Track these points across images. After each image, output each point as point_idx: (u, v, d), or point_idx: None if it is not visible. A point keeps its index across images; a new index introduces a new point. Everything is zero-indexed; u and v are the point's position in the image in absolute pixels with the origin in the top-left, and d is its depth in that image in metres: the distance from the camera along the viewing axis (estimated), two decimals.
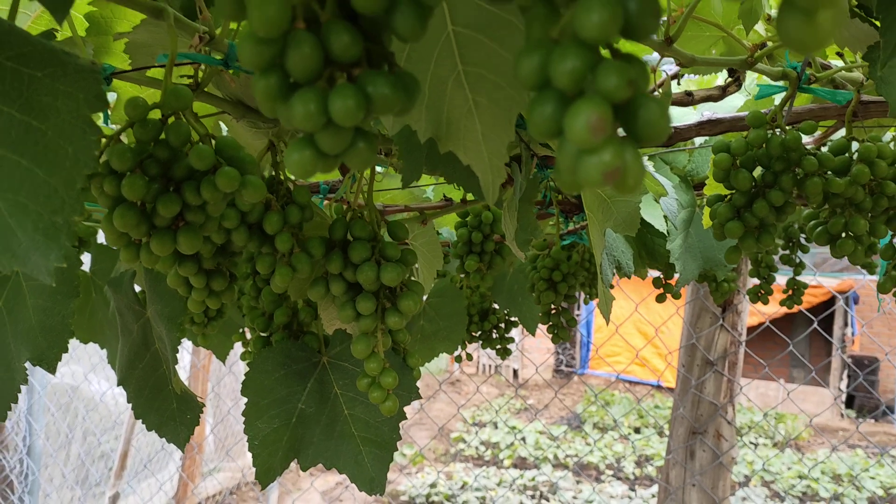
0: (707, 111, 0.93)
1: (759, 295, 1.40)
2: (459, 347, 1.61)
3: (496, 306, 1.60)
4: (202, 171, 0.55)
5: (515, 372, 10.17)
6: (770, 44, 0.72)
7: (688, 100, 0.80)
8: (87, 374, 3.40)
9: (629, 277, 1.17)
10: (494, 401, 4.65)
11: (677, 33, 0.64)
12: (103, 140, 0.54)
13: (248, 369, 0.82)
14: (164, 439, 0.84)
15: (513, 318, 1.61)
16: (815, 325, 2.68)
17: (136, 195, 0.53)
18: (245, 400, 0.81)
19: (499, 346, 1.64)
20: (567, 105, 0.27)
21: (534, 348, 9.43)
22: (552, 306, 1.30)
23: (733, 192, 0.78)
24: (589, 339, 10.53)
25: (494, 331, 1.63)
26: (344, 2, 0.33)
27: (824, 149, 0.82)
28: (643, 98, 0.28)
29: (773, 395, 8.86)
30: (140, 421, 0.83)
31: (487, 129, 0.47)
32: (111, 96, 0.82)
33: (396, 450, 0.86)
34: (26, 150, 0.40)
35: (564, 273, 1.26)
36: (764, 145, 0.76)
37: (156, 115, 0.55)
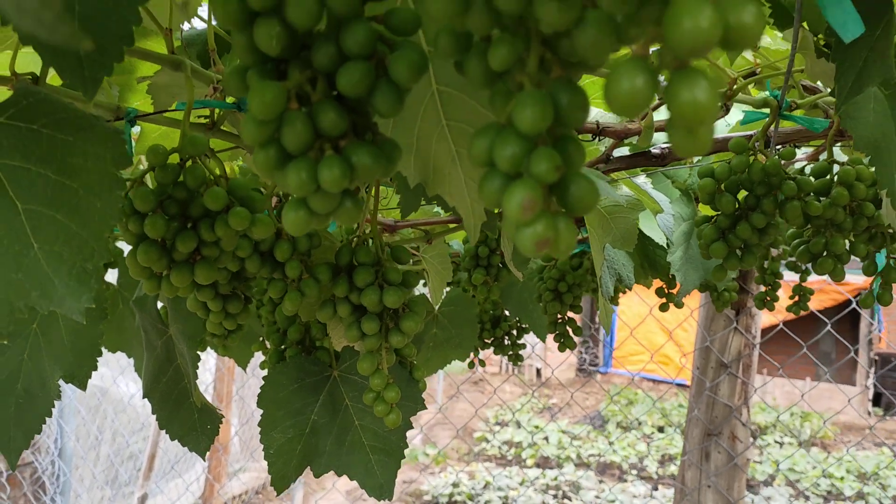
0: None
1: (766, 301, 1.43)
2: (472, 354, 1.67)
3: (507, 313, 1.65)
4: (216, 211, 0.60)
5: (538, 371, 10.21)
6: (740, 82, 0.77)
7: None
8: (115, 378, 3.50)
9: (630, 289, 1.21)
10: (517, 400, 4.70)
11: (659, 66, 0.69)
12: (128, 183, 0.60)
13: (264, 381, 0.88)
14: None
15: (524, 325, 1.66)
16: (829, 327, 2.69)
17: (157, 233, 0.59)
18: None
19: (511, 353, 1.69)
20: (508, 183, 0.32)
21: (557, 347, 9.43)
22: (558, 316, 1.35)
23: (718, 213, 0.83)
24: (612, 338, 10.54)
25: (506, 337, 1.68)
26: (332, 85, 0.39)
27: (810, 168, 0.87)
28: (575, 176, 0.33)
29: (799, 393, 8.83)
30: (164, 431, 0.89)
31: (469, 176, 0.52)
32: (135, 129, 0.88)
33: (404, 457, 0.92)
34: (61, 207, 0.46)
35: (570, 284, 1.31)
36: (746, 170, 0.81)
37: (174, 158, 0.61)
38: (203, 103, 0.65)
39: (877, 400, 9.49)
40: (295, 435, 0.88)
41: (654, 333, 8.58)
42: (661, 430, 7.92)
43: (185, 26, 0.76)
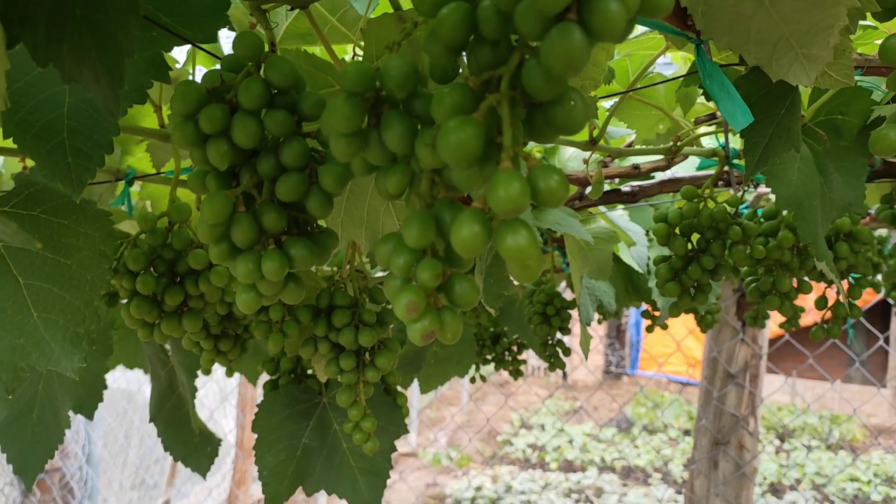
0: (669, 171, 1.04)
1: (756, 319, 1.49)
2: (473, 369, 1.74)
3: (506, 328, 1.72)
4: (200, 269, 0.68)
5: (565, 374, 10.23)
6: (689, 134, 0.83)
7: (635, 172, 0.92)
8: (142, 383, 3.63)
9: (612, 315, 1.28)
10: (543, 402, 4.78)
11: (599, 135, 0.76)
12: (122, 244, 0.68)
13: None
14: (189, 468, 0.99)
15: (524, 341, 1.73)
16: (834, 337, 2.71)
17: (147, 290, 0.67)
18: None
19: (511, 368, 1.76)
20: (402, 285, 0.40)
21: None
22: (548, 337, 1.42)
23: (672, 255, 0.89)
24: (638, 339, 10.54)
25: (507, 353, 1.75)
26: (274, 191, 0.46)
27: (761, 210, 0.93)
28: (458, 277, 0.40)
29: (829, 395, 8.76)
30: (168, 452, 0.98)
31: None
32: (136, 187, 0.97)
33: (389, 477, 0.99)
34: (57, 281, 0.54)
35: (558, 307, 1.37)
36: (697, 216, 0.87)
37: (163, 223, 0.69)
38: (190, 170, 0.73)
39: None
40: (287, 457, 0.96)
41: (681, 335, 8.57)
42: (687, 433, 7.90)
43: None
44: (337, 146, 0.38)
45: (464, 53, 0.36)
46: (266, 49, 0.47)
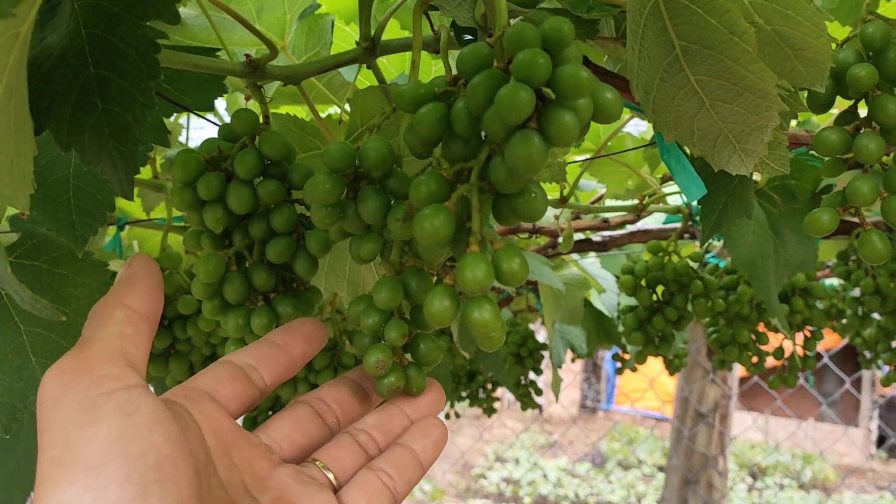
0: (639, 223, 1.09)
1: (723, 363, 1.54)
2: (448, 406, 1.77)
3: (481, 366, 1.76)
4: (188, 314, 0.72)
5: (540, 408, 10.23)
6: (656, 193, 0.89)
7: (605, 226, 0.97)
8: None
9: (583, 358, 1.32)
10: (519, 436, 4.78)
11: (570, 193, 0.81)
12: None
13: None
14: None
15: (497, 379, 1.77)
16: (790, 387, 2.77)
17: None
18: None
19: (485, 406, 1.80)
20: (371, 342, 0.44)
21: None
22: (521, 377, 1.46)
23: (637, 305, 0.94)
24: (614, 374, 10.58)
25: (481, 390, 1.78)
26: (264, 252, 0.50)
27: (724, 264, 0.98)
28: (423, 337, 0.44)
29: (802, 434, 8.82)
30: None
31: None
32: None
33: None
34: (54, 328, 0.58)
35: (531, 349, 1.42)
36: (661, 269, 0.92)
37: None
38: (183, 218, 0.77)
39: (881, 442, 9.45)
40: None
41: (655, 371, 8.63)
42: (661, 469, 7.91)
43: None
44: (317, 215, 0.43)
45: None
46: (261, 122, 0.51)
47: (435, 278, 0.44)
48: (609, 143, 0.93)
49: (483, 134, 0.38)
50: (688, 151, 0.61)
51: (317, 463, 0.41)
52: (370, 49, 0.54)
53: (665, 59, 0.42)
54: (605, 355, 10.44)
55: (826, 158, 0.51)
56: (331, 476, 0.40)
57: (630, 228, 1.09)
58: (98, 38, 0.36)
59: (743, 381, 3.17)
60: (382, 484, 0.41)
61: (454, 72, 0.39)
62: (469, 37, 0.51)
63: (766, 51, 0.39)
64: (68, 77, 0.36)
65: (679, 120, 0.44)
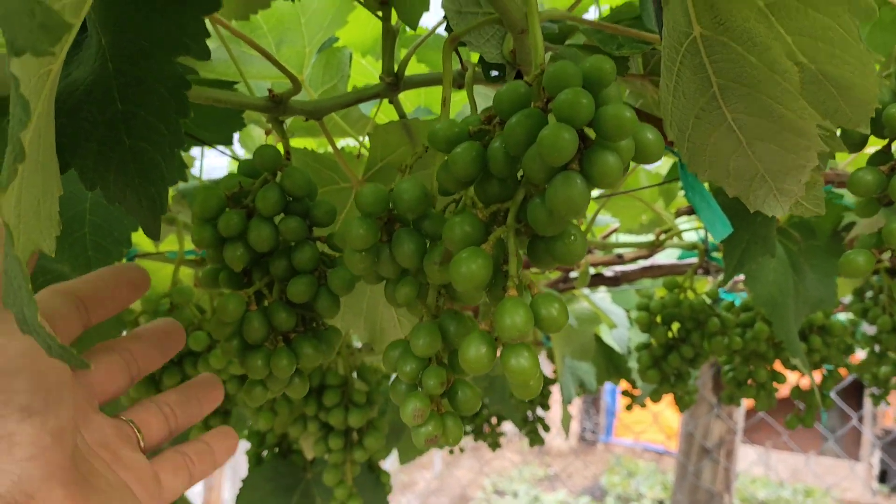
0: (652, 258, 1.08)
1: (731, 398, 1.52)
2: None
3: (487, 400, 1.74)
4: (199, 351, 0.70)
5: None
6: (673, 228, 0.88)
7: (619, 261, 0.95)
8: None
9: (593, 393, 1.30)
10: (517, 469, 4.73)
11: (587, 230, 0.80)
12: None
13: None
14: None
15: (503, 414, 1.74)
16: (808, 426, 2.75)
17: None
18: None
19: (490, 440, 1.77)
20: (409, 390, 0.42)
21: (558, 416, 9.39)
22: (528, 413, 1.44)
23: (653, 342, 0.93)
24: (614, 406, 10.50)
25: (486, 425, 1.76)
26: (284, 291, 0.49)
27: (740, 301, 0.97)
28: (461, 384, 0.43)
29: (804, 469, 8.73)
30: None
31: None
32: None
33: None
34: None
35: None
36: (678, 306, 0.91)
37: (165, 303, 0.72)
38: (193, 252, 0.76)
39: (883, 477, 9.34)
40: None
41: (658, 406, 8.55)
42: (661, 503, 7.83)
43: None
44: (351, 260, 0.42)
45: None
46: (283, 157, 0.50)
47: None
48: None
49: (520, 174, 0.37)
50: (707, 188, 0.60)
51: (131, 423, 0.45)
52: (393, 84, 0.53)
53: (702, 98, 0.41)
54: (605, 388, 10.38)
55: (859, 198, 0.50)
56: (140, 438, 0.44)
57: (643, 263, 1.08)
58: (126, 74, 0.35)
59: (747, 414, 3.14)
60: (185, 464, 0.46)
61: (478, 107, 0.38)
62: (496, 73, 0.50)
63: (808, 89, 0.38)
64: (94, 113, 0.35)
65: (715, 159, 0.43)
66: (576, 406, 9.52)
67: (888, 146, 0.48)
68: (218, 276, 0.50)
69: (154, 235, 0.36)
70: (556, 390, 1.63)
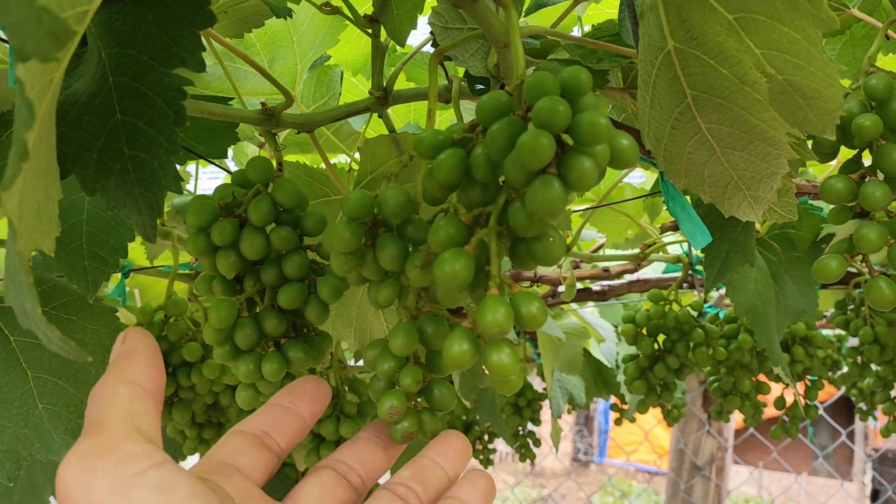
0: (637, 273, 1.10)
1: (721, 413, 1.53)
2: None
3: (478, 417, 1.74)
4: (193, 362, 0.72)
5: (532, 461, 10.09)
6: (657, 242, 0.90)
7: (605, 275, 0.97)
8: None
9: (581, 409, 1.31)
10: (510, 489, 4.71)
11: (572, 242, 0.82)
12: None
13: None
14: None
15: (495, 430, 1.75)
16: (792, 437, 2.76)
17: None
18: None
19: (482, 457, 1.78)
20: (386, 387, 0.44)
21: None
22: (519, 428, 1.45)
23: (639, 354, 0.94)
24: (607, 426, 10.48)
25: (478, 442, 1.77)
26: (275, 298, 0.51)
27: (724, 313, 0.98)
28: (438, 382, 0.44)
29: (796, 488, 8.72)
30: None
31: None
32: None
33: None
34: (63, 374, 0.57)
35: (529, 399, 1.41)
36: (663, 318, 0.92)
37: (160, 315, 0.73)
38: (188, 266, 0.77)
39: (875, 496, 9.33)
40: None
41: (650, 423, 8.55)
42: None
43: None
44: (336, 262, 0.43)
45: None
46: (275, 168, 0.51)
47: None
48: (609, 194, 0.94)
49: (501, 179, 0.39)
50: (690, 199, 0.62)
51: None
52: (383, 98, 0.55)
53: (676, 108, 0.43)
54: (598, 407, 10.36)
55: (831, 206, 0.52)
56: None
57: (629, 278, 1.10)
58: (125, 86, 0.37)
59: (737, 433, 3.14)
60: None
61: (465, 120, 0.40)
62: (481, 86, 0.52)
63: (777, 100, 0.40)
64: (95, 124, 0.37)
65: (690, 167, 0.44)
66: (569, 426, 9.50)
67: (858, 155, 0.50)
68: (211, 284, 0.52)
69: (151, 238, 0.37)
70: (546, 406, 1.64)
